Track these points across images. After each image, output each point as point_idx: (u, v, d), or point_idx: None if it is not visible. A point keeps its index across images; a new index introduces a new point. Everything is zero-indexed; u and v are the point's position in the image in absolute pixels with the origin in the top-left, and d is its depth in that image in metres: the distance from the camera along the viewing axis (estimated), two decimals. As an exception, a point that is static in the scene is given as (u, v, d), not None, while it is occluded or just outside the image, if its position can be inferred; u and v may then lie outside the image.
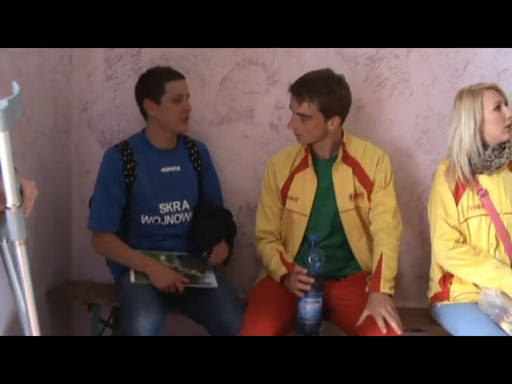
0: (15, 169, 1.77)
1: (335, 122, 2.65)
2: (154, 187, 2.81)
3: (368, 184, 2.72)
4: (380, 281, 2.54)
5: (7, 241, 1.69)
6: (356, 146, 2.75)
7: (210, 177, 2.99)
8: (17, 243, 1.61)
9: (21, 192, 1.64)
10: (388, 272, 2.56)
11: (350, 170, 2.72)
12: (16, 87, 1.52)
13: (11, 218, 1.59)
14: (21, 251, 1.62)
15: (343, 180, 2.71)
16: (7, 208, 1.57)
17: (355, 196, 2.71)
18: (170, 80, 2.76)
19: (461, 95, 2.63)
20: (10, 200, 1.57)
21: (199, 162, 2.93)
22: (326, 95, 2.58)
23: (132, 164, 2.79)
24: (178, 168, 2.87)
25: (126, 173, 2.78)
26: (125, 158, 2.78)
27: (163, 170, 2.84)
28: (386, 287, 2.52)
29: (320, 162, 2.74)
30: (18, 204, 1.58)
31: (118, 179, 2.77)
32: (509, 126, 2.59)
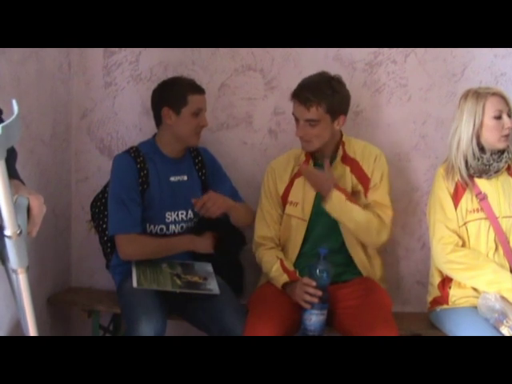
0: (22, 182, 1.76)
1: (341, 121, 2.69)
2: (162, 196, 2.80)
3: (365, 180, 2.73)
4: (343, 189, 2.66)
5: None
6: (355, 146, 2.77)
7: (222, 180, 2.97)
8: (18, 271, 1.54)
9: (28, 208, 1.61)
10: (355, 208, 2.63)
11: (347, 168, 2.73)
12: (15, 108, 1.42)
13: (11, 246, 1.51)
14: (22, 279, 1.54)
15: (340, 178, 2.72)
16: (7, 236, 1.49)
17: (352, 194, 2.71)
18: (193, 93, 2.76)
19: (466, 95, 2.62)
20: (10, 228, 1.49)
21: (204, 171, 2.93)
22: (331, 96, 2.61)
23: (145, 171, 2.78)
24: (185, 177, 2.87)
25: (140, 180, 2.77)
26: (138, 166, 2.77)
27: (172, 178, 2.84)
28: (340, 196, 2.62)
29: (320, 165, 2.74)
30: (19, 232, 1.51)
31: (134, 185, 2.76)
32: (506, 136, 2.59)
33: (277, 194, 2.80)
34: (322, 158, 2.73)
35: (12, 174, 1.76)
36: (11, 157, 1.84)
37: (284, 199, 2.79)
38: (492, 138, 2.59)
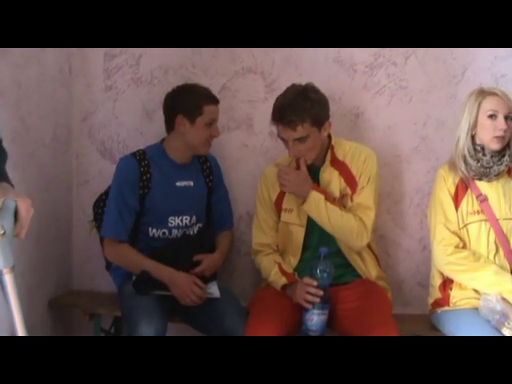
0: (11, 185, 1.76)
1: (327, 127, 2.67)
2: (167, 200, 2.80)
3: (353, 184, 2.71)
4: (322, 190, 2.65)
5: None
6: (345, 149, 2.76)
7: (221, 192, 3.00)
8: (4, 271, 1.56)
9: (15, 211, 1.62)
10: (334, 210, 2.62)
11: (336, 172, 2.72)
12: None
13: None
14: (8, 279, 1.57)
15: (329, 182, 2.71)
16: None
17: (341, 197, 2.71)
18: (209, 103, 2.76)
19: (471, 94, 2.63)
20: None
21: (211, 177, 2.95)
22: (312, 108, 2.58)
23: (148, 175, 2.78)
24: (192, 183, 2.87)
25: (141, 184, 2.77)
26: (142, 169, 2.77)
27: (178, 184, 2.83)
28: (318, 197, 2.62)
29: (311, 170, 2.73)
30: (2, 232, 1.54)
31: (134, 188, 2.76)
32: (499, 138, 2.57)
33: (270, 201, 2.81)
34: (312, 162, 2.72)
35: (0, 176, 1.77)
36: (0, 158, 1.84)
37: (278, 206, 2.80)
38: (485, 137, 2.59)
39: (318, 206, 2.62)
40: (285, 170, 2.68)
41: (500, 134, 2.56)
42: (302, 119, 2.57)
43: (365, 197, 2.70)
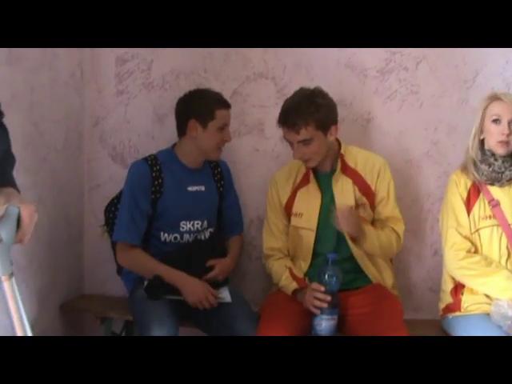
0: (17, 189, 1.77)
1: (333, 132, 2.67)
2: (179, 205, 2.81)
3: (370, 194, 2.72)
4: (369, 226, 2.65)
5: None
6: (355, 156, 2.76)
7: (231, 197, 3.01)
8: (2, 279, 1.55)
9: (18, 217, 1.62)
10: (380, 234, 2.64)
11: (350, 181, 2.72)
12: None
13: None
14: (7, 286, 1.56)
15: (344, 191, 2.71)
16: None
17: (357, 207, 2.70)
18: (220, 108, 2.77)
19: (482, 98, 2.64)
20: None
21: (222, 182, 2.95)
22: (316, 112, 2.59)
23: (160, 180, 2.79)
24: (203, 188, 2.88)
25: (153, 188, 2.78)
26: (154, 174, 2.78)
27: (189, 188, 2.84)
28: (371, 229, 2.63)
29: (321, 176, 2.75)
30: None
31: (146, 193, 2.77)
32: (503, 142, 2.57)
33: (280, 206, 2.81)
34: (321, 168, 2.73)
35: (7, 180, 1.77)
36: (7, 163, 1.84)
37: (288, 210, 2.80)
38: (490, 141, 2.61)
39: (373, 238, 2.63)
40: (339, 211, 2.60)
41: (503, 138, 2.56)
42: (305, 122, 2.58)
43: (391, 209, 2.73)
